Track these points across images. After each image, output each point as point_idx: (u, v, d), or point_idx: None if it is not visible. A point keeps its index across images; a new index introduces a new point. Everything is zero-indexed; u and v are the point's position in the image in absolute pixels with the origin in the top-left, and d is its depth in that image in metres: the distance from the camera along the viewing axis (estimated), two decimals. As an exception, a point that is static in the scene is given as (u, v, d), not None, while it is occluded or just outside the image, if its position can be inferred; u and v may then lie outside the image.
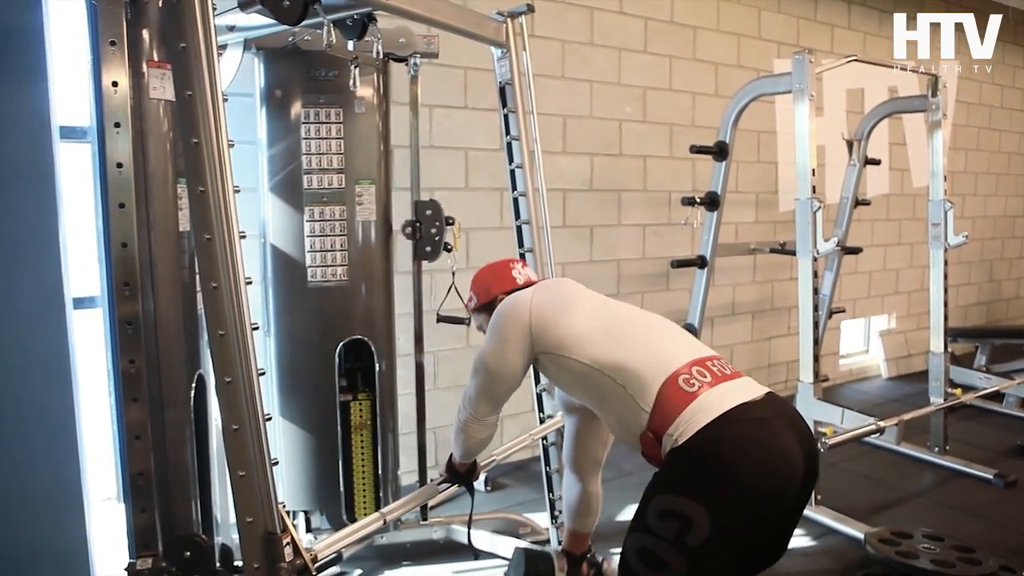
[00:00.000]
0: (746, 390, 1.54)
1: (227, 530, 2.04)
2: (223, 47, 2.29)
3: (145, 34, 1.68)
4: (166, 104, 1.71)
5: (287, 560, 1.42)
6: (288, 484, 2.67)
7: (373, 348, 2.66)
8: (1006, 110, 6.43)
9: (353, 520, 2.63)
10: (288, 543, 1.43)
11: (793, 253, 3.26)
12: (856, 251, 4.50)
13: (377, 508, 2.67)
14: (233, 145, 1.40)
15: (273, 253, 2.61)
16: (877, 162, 4.52)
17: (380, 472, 2.74)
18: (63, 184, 2.12)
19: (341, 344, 2.62)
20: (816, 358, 3.21)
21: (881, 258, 5.65)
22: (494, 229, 3.53)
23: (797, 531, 2.99)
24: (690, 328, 3.77)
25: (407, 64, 2.69)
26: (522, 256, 2.53)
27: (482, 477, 2.68)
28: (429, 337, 2.92)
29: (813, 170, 3.07)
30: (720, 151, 3.66)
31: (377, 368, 2.68)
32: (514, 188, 2.58)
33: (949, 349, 3.87)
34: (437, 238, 2.69)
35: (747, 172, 4.68)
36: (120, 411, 1.67)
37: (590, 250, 4.09)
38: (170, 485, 1.73)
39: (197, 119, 1.37)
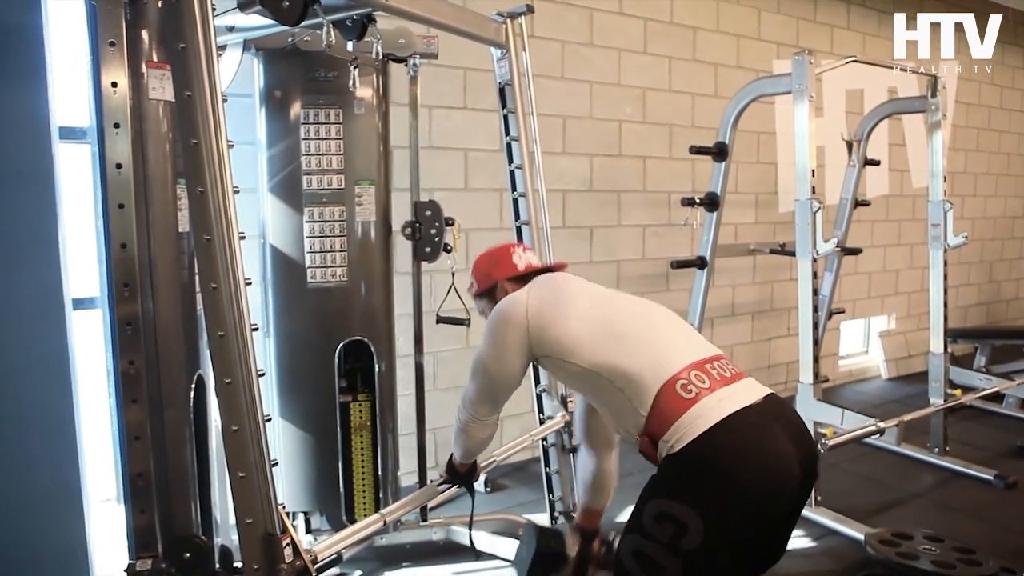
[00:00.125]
0: (745, 394, 1.53)
1: (227, 531, 2.03)
2: (222, 48, 2.29)
3: (144, 35, 1.68)
4: (165, 105, 1.71)
5: (287, 561, 1.42)
6: (288, 485, 2.67)
7: (373, 349, 2.66)
8: (1005, 111, 6.43)
9: (353, 521, 2.63)
10: (288, 544, 1.43)
11: (793, 254, 3.26)
12: (856, 252, 4.50)
13: (377, 509, 2.67)
14: (232, 146, 1.40)
15: (272, 254, 2.61)
16: (877, 163, 4.52)
17: (380, 473, 2.74)
18: (63, 185, 2.12)
19: (341, 345, 2.62)
20: (816, 359, 3.21)
21: (881, 259, 5.66)
22: (494, 230, 3.53)
23: (797, 532, 3.02)
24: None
25: (407, 65, 2.69)
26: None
27: (482, 478, 2.67)
28: (429, 338, 2.91)
29: (813, 171, 3.07)
30: (720, 152, 3.66)
31: (377, 369, 2.68)
32: (514, 189, 2.58)
33: (949, 350, 3.87)
34: (437, 239, 2.69)
35: (747, 173, 4.68)
36: (120, 412, 1.68)
37: (590, 251, 4.09)
38: (170, 486, 1.73)
39: (197, 120, 1.37)
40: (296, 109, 2.53)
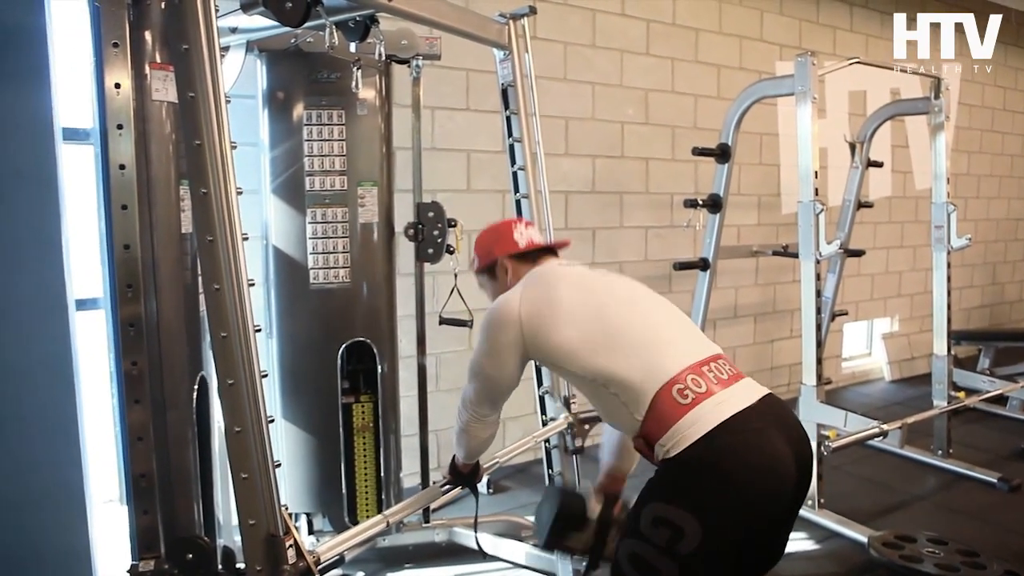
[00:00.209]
0: (743, 396, 1.52)
1: (229, 532, 2.03)
2: (226, 49, 2.29)
3: (148, 36, 1.68)
4: (169, 106, 1.71)
5: (290, 562, 1.41)
6: (290, 486, 2.67)
7: (375, 350, 2.66)
8: (1009, 112, 6.42)
9: (355, 522, 2.63)
10: (291, 545, 1.42)
11: (795, 255, 3.26)
12: (859, 254, 4.49)
13: (379, 510, 2.67)
14: (236, 147, 1.40)
15: (275, 255, 2.61)
16: (880, 164, 4.51)
17: (382, 474, 2.74)
18: (66, 186, 2.12)
19: (343, 346, 2.62)
20: (819, 361, 3.21)
21: (884, 261, 5.65)
22: (496, 231, 3.52)
23: (800, 535, 3.02)
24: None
25: (409, 66, 2.69)
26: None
27: (485, 479, 2.67)
28: (431, 339, 2.91)
29: (816, 172, 3.07)
30: (722, 153, 3.66)
31: (379, 370, 2.68)
32: (516, 190, 2.58)
33: (952, 352, 3.86)
34: (439, 240, 2.69)
35: (749, 174, 4.68)
36: (122, 413, 1.68)
37: (592, 252, 4.08)
38: (172, 487, 1.72)
39: (200, 121, 1.37)
40: (299, 110, 2.54)
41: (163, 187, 1.72)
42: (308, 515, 2.75)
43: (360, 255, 2.61)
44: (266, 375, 1.43)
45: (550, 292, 1.68)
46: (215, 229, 1.37)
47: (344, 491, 2.69)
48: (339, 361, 2.62)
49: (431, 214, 2.68)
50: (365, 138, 2.59)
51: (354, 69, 2.32)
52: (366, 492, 2.74)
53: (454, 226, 2.66)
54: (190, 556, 1.67)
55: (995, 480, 3.54)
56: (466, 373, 1.79)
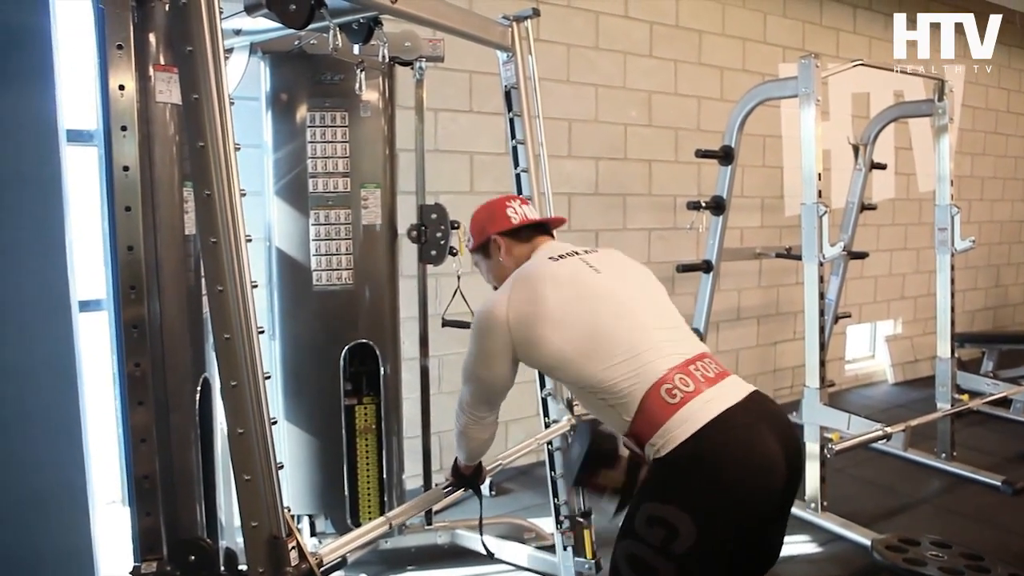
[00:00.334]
0: (730, 394, 1.53)
1: (232, 534, 2.03)
2: (229, 51, 2.30)
3: (152, 38, 1.68)
4: (172, 107, 1.71)
5: (292, 564, 1.41)
6: (293, 488, 2.67)
7: (378, 352, 2.66)
8: (1013, 114, 6.42)
9: (358, 524, 2.63)
10: (293, 547, 1.42)
11: (799, 258, 3.25)
12: (862, 256, 4.49)
13: (382, 512, 2.67)
14: (239, 149, 1.40)
15: (278, 257, 2.61)
16: (883, 166, 4.51)
17: (385, 476, 2.73)
18: (69, 187, 2.12)
19: (346, 348, 2.62)
20: (822, 363, 3.20)
21: (887, 263, 5.64)
22: (499, 233, 3.52)
23: (803, 537, 3.02)
24: (696, 332, 3.75)
25: (412, 68, 2.69)
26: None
27: (487, 481, 2.67)
28: (434, 341, 2.91)
29: (819, 174, 3.07)
30: (725, 155, 3.66)
31: (382, 372, 2.68)
32: (519, 192, 2.58)
33: (956, 354, 3.86)
34: (442, 242, 2.69)
35: (753, 176, 4.67)
36: (125, 414, 1.67)
37: (595, 254, 4.08)
38: (175, 488, 1.72)
39: (203, 123, 1.36)
40: (302, 112, 2.54)
41: (167, 189, 1.72)
42: (311, 517, 2.75)
43: (363, 257, 2.61)
44: (269, 377, 1.42)
45: (537, 297, 1.62)
46: (218, 231, 1.37)
47: (347, 493, 2.69)
48: (342, 363, 2.62)
49: (434, 216, 2.68)
50: (368, 140, 2.59)
51: (357, 71, 2.32)
52: (368, 494, 2.73)
53: (457, 228, 2.66)
54: (192, 558, 1.67)
55: (999, 483, 3.53)
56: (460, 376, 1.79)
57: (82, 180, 2.45)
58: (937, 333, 3.91)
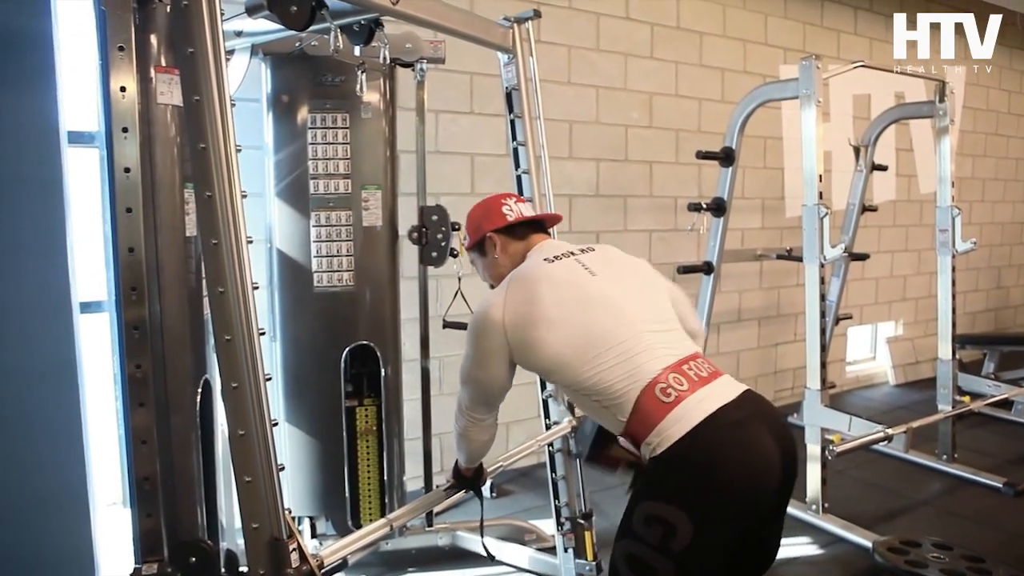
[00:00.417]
0: (723, 392, 1.54)
1: (232, 535, 2.03)
2: (230, 52, 2.30)
3: (153, 39, 1.69)
4: (174, 109, 1.71)
5: (293, 566, 1.41)
6: (294, 490, 2.67)
7: (379, 353, 2.66)
8: (1014, 116, 6.41)
9: (358, 526, 2.63)
10: (294, 549, 1.42)
11: (800, 259, 3.25)
12: (863, 257, 4.48)
13: (382, 514, 2.67)
14: (240, 150, 1.40)
15: (279, 258, 2.62)
16: (884, 168, 4.50)
17: (386, 478, 2.73)
18: (71, 189, 2.13)
19: (347, 349, 2.62)
20: (823, 365, 3.20)
21: (888, 264, 5.64)
22: (500, 234, 3.52)
23: (804, 539, 3.01)
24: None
25: (413, 69, 2.70)
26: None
27: (488, 483, 2.67)
28: (435, 342, 2.91)
29: (820, 176, 3.06)
30: (726, 157, 3.66)
31: (383, 373, 2.68)
32: (520, 193, 2.57)
33: (957, 356, 3.85)
34: (443, 243, 2.69)
35: (753, 178, 4.67)
36: (126, 415, 1.67)
37: (596, 256, 4.07)
38: (176, 490, 1.72)
39: (205, 124, 1.37)
40: (303, 113, 2.54)
41: (168, 190, 1.72)
42: (311, 518, 2.75)
43: (364, 258, 2.61)
44: (270, 378, 1.42)
45: (534, 298, 1.62)
46: (219, 232, 1.37)
47: (347, 494, 2.69)
48: (342, 364, 2.62)
49: (435, 217, 2.68)
50: (369, 141, 2.59)
51: (358, 72, 2.32)
52: (369, 496, 2.73)
53: (458, 229, 2.66)
54: (193, 559, 1.67)
55: (1000, 485, 3.52)
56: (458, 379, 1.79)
57: (83, 181, 2.45)
58: (938, 335, 3.90)
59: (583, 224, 4.00)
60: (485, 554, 2.57)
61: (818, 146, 3.05)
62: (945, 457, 3.82)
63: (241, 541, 1.44)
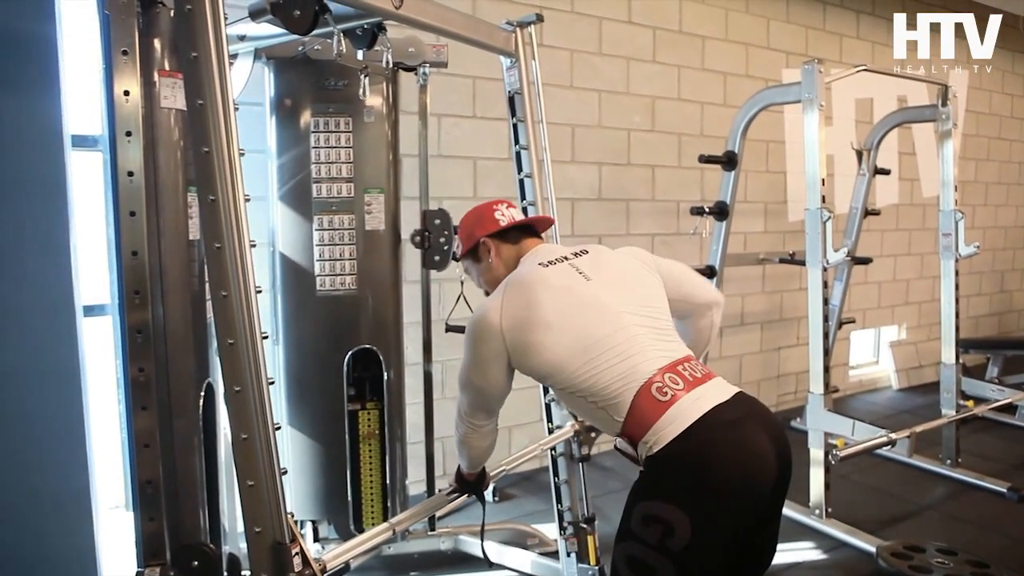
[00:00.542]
0: (718, 393, 1.55)
1: (235, 539, 2.03)
2: (234, 56, 2.30)
3: (157, 43, 1.69)
4: (177, 113, 1.72)
5: (296, 570, 1.41)
6: (296, 493, 2.67)
7: (381, 357, 2.66)
8: (1016, 119, 6.41)
9: (361, 530, 2.62)
10: (297, 553, 1.42)
11: (802, 263, 3.25)
12: (866, 261, 4.47)
13: (385, 518, 2.66)
14: (243, 154, 1.41)
15: (282, 262, 2.62)
16: (887, 172, 4.50)
17: (388, 482, 2.73)
18: (74, 192, 2.13)
19: (349, 353, 2.62)
20: (826, 369, 3.19)
21: (891, 268, 5.63)
22: (502, 238, 3.52)
23: (807, 544, 3.01)
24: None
25: (416, 73, 2.70)
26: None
27: (491, 487, 2.66)
28: (437, 346, 2.91)
29: (823, 180, 3.06)
30: (729, 161, 3.66)
31: (385, 377, 2.68)
32: (523, 197, 2.58)
33: (960, 360, 3.84)
34: (446, 247, 2.69)
35: (756, 182, 4.67)
36: (129, 419, 1.67)
37: (598, 259, 4.07)
38: (178, 494, 1.73)
39: (208, 128, 1.37)
40: (306, 117, 2.54)
41: (171, 194, 1.72)
42: (314, 522, 2.75)
43: (366, 262, 2.61)
44: (273, 382, 1.42)
45: (531, 303, 1.62)
46: (223, 236, 1.37)
47: (350, 498, 2.69)
48: (345, 368, 2.62)
49: (437, 221, 2.69)
50: (372, 145, 2.59)
51: (361, 76, 2.32)
52: (372, 500, 2.73)
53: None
54: (196, 563, 1.67)
55: (1004, 490, 3.51)
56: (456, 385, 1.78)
57: (87, 185, 2.46)
58: (941, 339, 3.89)
59: (585, 228, 4.00)
60: (486, 558, 2.56)
61: (821, 150, 3.05)
62: (949, 462, 3.81)
63: (244, 545, 1.43)
